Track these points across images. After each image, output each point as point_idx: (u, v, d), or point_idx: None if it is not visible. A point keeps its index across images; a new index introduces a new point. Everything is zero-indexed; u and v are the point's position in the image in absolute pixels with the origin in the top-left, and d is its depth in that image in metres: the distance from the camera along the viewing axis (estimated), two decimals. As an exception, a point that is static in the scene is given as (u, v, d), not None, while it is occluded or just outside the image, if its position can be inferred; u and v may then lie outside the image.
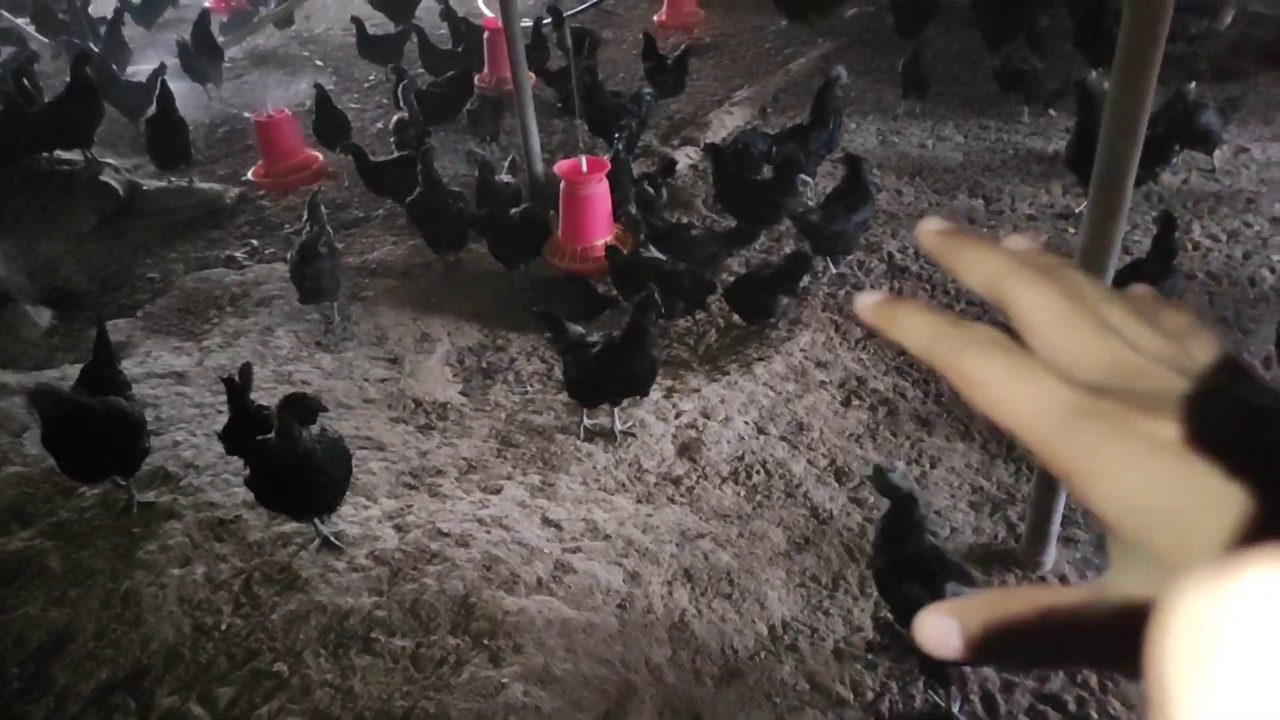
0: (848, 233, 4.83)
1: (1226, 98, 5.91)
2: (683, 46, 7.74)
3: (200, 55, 8.34)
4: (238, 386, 3.39)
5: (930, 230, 0.45)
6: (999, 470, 3.71)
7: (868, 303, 0.43)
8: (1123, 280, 4.14)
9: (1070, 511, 3.40)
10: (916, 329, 0.41)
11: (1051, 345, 0.39)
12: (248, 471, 3.18)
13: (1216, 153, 5.80)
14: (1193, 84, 5.59)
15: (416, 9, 9.46)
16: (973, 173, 6.12)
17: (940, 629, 0.39)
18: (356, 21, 8.40)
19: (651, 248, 4.64)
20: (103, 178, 6.37)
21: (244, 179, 6.98)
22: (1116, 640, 0.36)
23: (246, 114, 8.29)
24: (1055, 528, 3.17)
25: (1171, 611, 0.26)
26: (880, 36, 8.61)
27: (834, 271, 5.01)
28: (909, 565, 2.72)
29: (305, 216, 4.98)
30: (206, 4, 10.37)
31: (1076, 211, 5.41)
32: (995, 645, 0.38)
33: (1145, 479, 0.33)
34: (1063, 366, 0.38)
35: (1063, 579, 3.18)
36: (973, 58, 8.00)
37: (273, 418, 2.99)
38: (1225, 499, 0.32)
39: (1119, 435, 0.34)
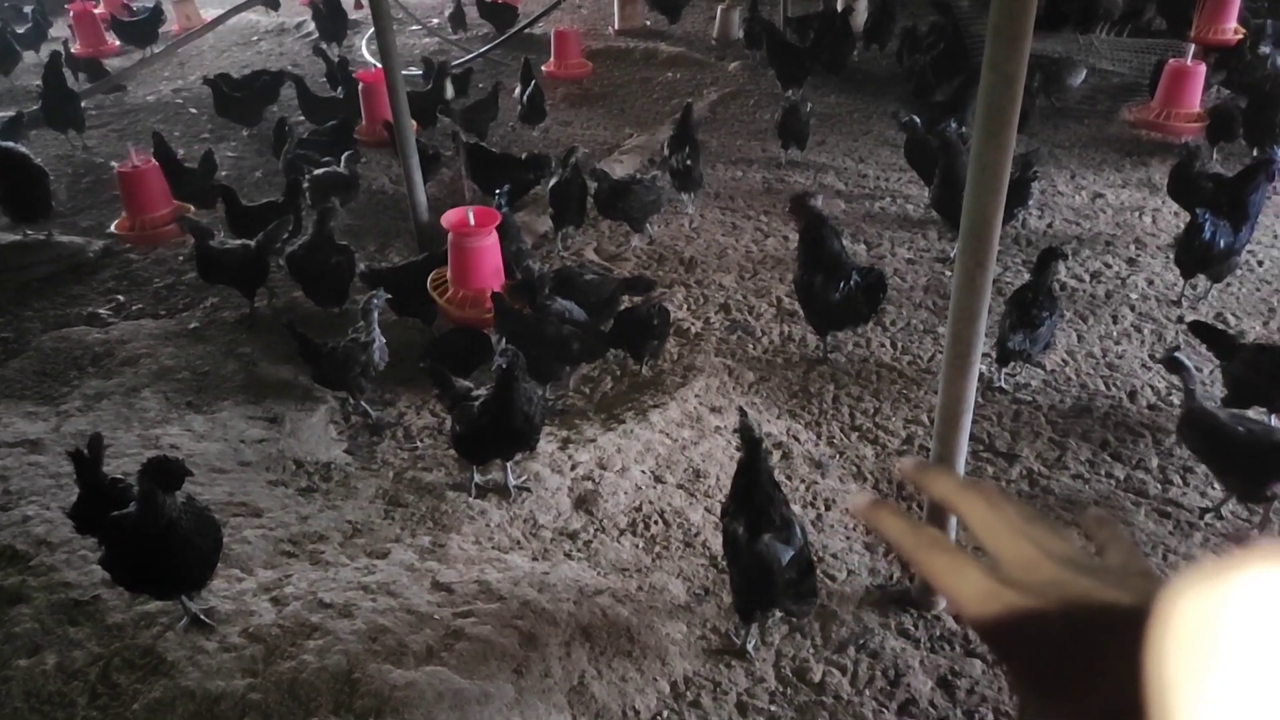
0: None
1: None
2: (533, 83, 7.87)
3: (56, 101, 7.91)
4: (86, 459, 3.12)
5: (906, 466, 0.67)
6: (891, 510, 3.76)
7: (859, 504, 0.61)
8: (1012, 310, 4.33)
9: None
10: (890, 529, 0.58)
11: (988, 543, 0.56)
12: (102, 551, 2.92)
13: (1077, 197, 6.18)
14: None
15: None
16: (854, 219, 6.32)
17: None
18: (211, 84, 8.08)
19: (558, 299, 4.58)
20: (-52, 232, 5.91)
21: (107, 232, 6.62)
22: None
23: (114, 163, 7.91)
24: (946, 566, 3.22)
25: (1171, 611, 0.29)
26: (761, 88, 8.90)
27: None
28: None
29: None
30: (71, 47, 9.87)
31: (951, 255, 5.65)
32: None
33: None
34: (996, 557, 0.55)
35: (956, 618, 3.23)
36: (849, 108, 8.36)
37: (130, 490, 2.76)
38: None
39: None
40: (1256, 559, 0.28)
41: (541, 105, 7.90)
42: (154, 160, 6.43)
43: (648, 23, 11.17)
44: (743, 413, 3.25)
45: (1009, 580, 0.51)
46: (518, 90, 7.94)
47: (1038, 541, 0.54)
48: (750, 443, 3.00)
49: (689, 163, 6.22)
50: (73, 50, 9.72)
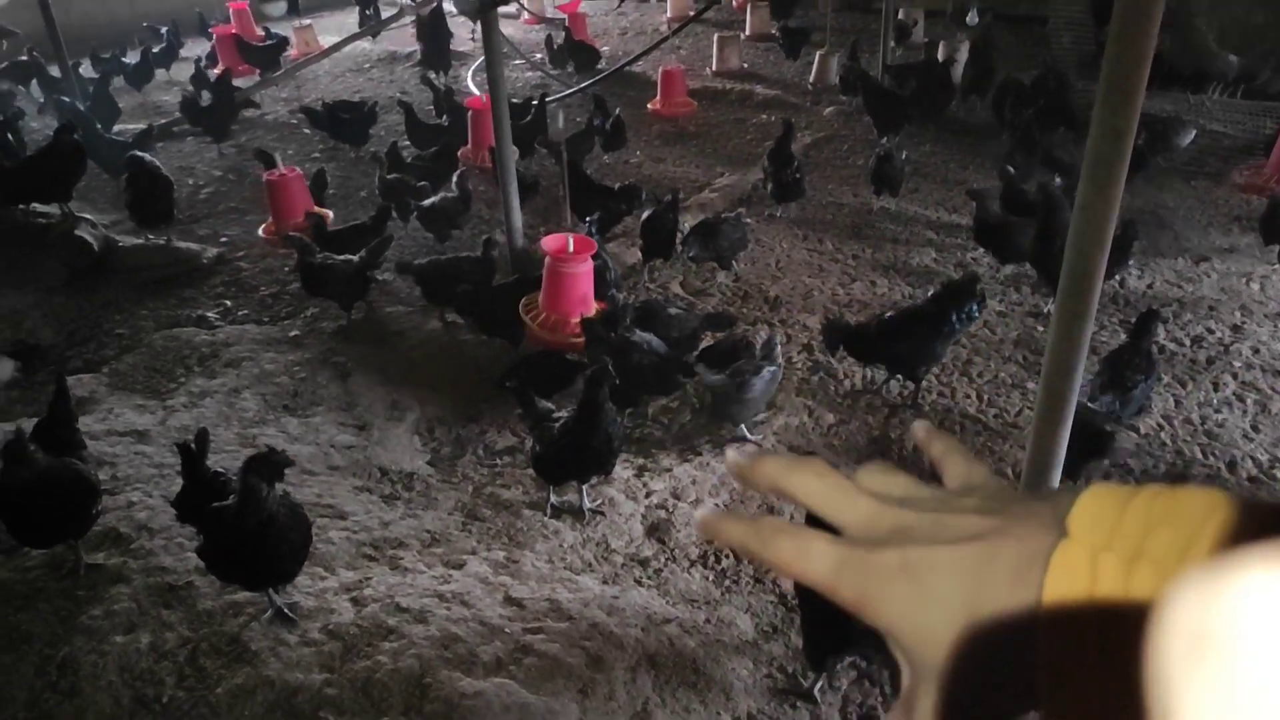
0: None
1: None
2: (616, 111, 8.30)
3: (220, 111, 8.66)
4: (193, 453, 3.30)
5: (733, 461, 0.59)
6: (968, 564, 3.68)
7: (701, 525, 0.57)
8: (1105, 370, 4.21)
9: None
10: (732, 537, 0.54)
11: (825, 514, 0.53)
12: (201, 540, 3.07)
13: (1181, 259, 5.98)
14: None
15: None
16: (945, 268, 6.25)
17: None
18: (327, 108, 8.63)
19: (637, 330, 4.66)
20: (77, 232, 6.33)
21: (223, 239, 6.99)
22: None
23: (231, 176, 8.37)
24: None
25: (1172, 610, 0.28)
26: (856, 134, 8.91)
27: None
28: None
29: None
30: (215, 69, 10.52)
31: (1045, 311, 5.53)
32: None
33: (888, 603, 0.47)
34: (840, 525, 0.52)
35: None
36: (945, 158, 8.30)
37: (230, 484, 2.90)
38: (942, 603, 0.45)
39: (867, 574, 0.47)
40: (1261, 558, 0.27)
41: (623, 133, 8.15)
42: (296, 170, 6.81)
43: (745, 65, 11.32)
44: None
45: (855, 541, 0.49)
46: (596, 120, 8.21)
47: (875, 491, 0.52)
48: None
49: (798, 175, 6.83)
50: (209, 72, 10.35)
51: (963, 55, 9.65)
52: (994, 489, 0.52)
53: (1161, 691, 0.28)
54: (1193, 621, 0.27)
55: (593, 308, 5.15)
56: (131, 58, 10.94)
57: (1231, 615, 0.27)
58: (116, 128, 8.77)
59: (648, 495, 4.07)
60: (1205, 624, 0.27)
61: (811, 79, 10.51)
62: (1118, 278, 5.80)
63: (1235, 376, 4.93)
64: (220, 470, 3.45)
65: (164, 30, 11.71)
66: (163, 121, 9.35)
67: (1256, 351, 5.16)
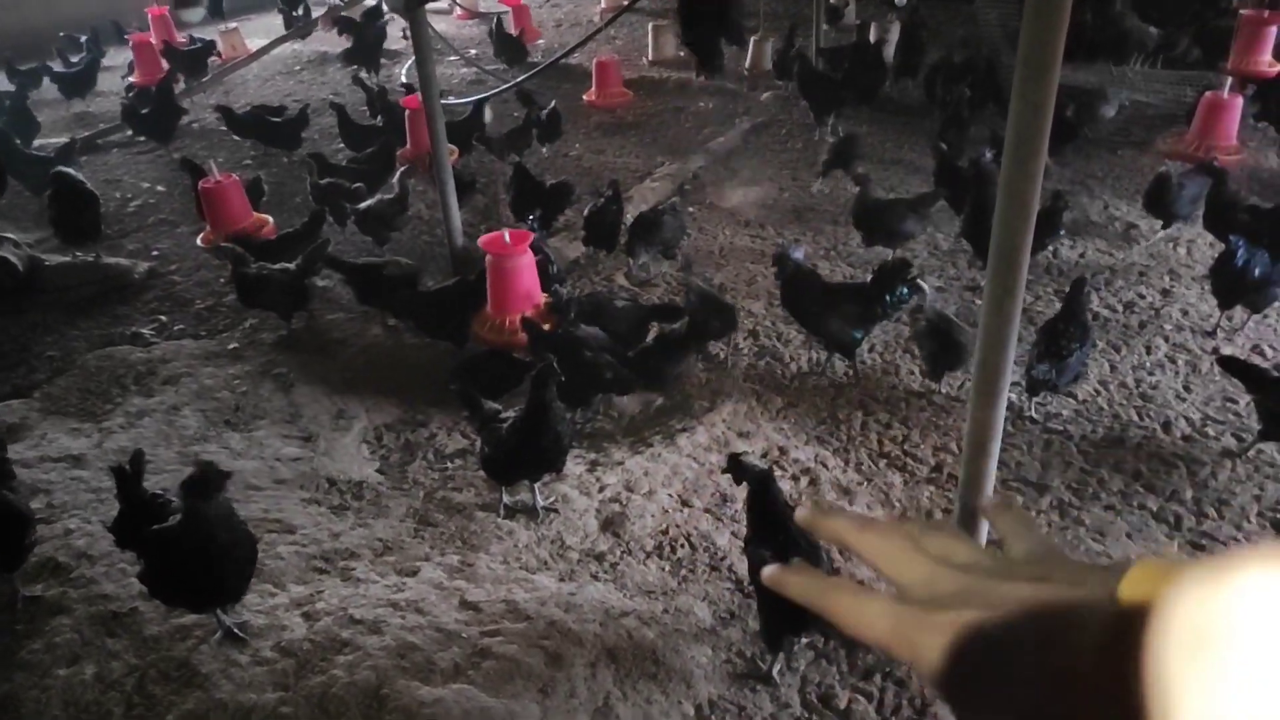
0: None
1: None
2: (552, 103, 8.29)
3: (163, 116, 8.65)
4: (128, 475, 3.20)
5: (804, 517, 0.66)
6: (919, 538, 3.74)
7: (768, 579, 0.61)
8: (1041, 339, 4.32)
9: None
10: (795, 590, 0.59)
11: (887, 573, 0.58)
12: (141, 565, 2.99)
13: (1110, 228, 6.13)
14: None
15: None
16: (883, 249, 6.32)
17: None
18: (223, 109, 8.52)
19: (582, 325, 4.64)
20: (0, 253, 6.11)
21: (154, 253, 6.80)
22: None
23: (160, 187, 8.14)
24: (974, 595, 3.20)
25: (1171, 611, 0.29)
26: (793, 118, 8.97)
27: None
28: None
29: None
30: (133, 79, 10.21)
31: (981, 284, 5.62)
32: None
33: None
34: (898, 584, 0.56)
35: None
36: (880, 138, 8.40)
37: (169, 505, 2.83)
38: None
39: (921, 632, 0.50)
40: (1258, 559, 0.28)
41: (558, 125, 8.11)
42: (233, 175, 6.65)
43: (681, 53, 11.31)
44: (733, 458, 3.23)
45: (912, 601, 0.52)
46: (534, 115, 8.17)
47: (939, 555, 0.55)
48: (759, 479, 3.05)
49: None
50: (131, 79, 10.04)
51: (894, 36, 9.76)
52: (1052, 558, 0.55)
53: (1161, 687, 0.28)
54: (1192, 620, 0.28)
55: (539, 302, 5.12)
56: (59, 67, 10.57)
57: (1229, 613, 0.27)
58: (36, 142, 8.48)
59: (601, 489, 4.07)
60: (1203, 622, 0.28)
61: (747, 64, 10.54)
62: (1050, 248, 5.93)
63: (1166, 339, 5.07)
64: (159, 492, 3.36)
65: (83, 39, 11.33)
66: (85, 134, 9.07)
67: (1185, 314, 5.31)
